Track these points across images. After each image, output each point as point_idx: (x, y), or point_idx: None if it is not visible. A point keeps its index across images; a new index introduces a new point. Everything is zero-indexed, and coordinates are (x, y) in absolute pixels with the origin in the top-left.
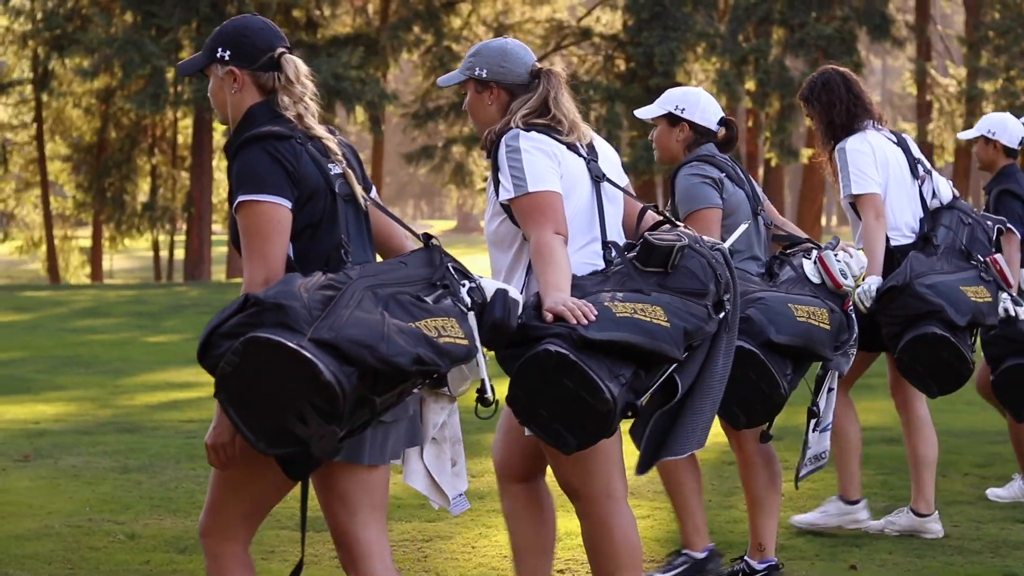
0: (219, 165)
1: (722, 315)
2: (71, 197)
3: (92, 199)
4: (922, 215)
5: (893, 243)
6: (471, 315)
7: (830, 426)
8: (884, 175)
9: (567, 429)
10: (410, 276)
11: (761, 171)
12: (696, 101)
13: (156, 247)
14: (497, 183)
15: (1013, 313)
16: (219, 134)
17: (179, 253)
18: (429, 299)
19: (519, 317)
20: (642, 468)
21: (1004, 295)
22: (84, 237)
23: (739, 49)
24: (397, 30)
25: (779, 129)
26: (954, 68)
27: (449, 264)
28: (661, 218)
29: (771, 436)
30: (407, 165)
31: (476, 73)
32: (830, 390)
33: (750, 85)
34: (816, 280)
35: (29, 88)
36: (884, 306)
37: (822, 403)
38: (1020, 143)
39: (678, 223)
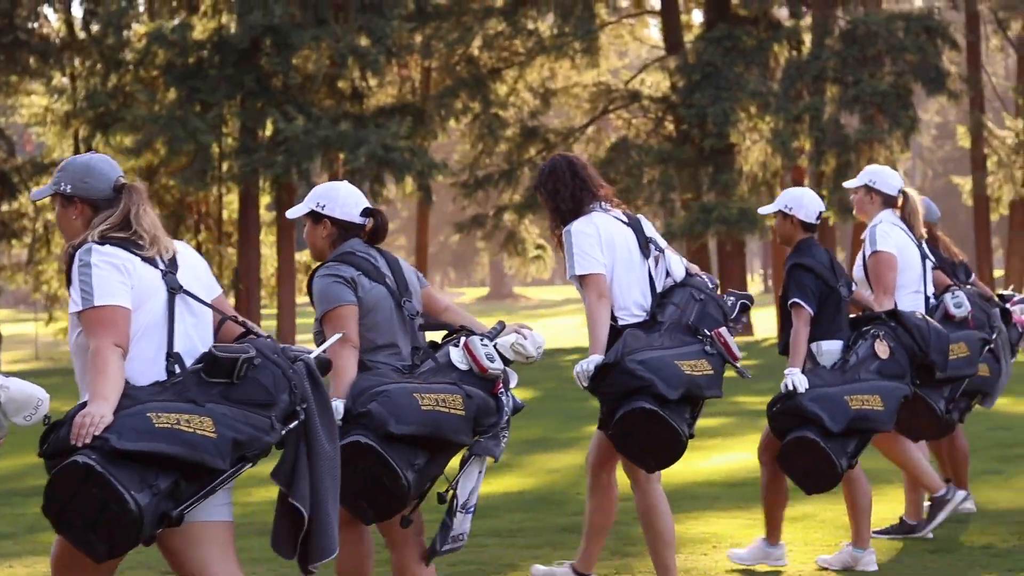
0: (265, 240)
1: (294, 424)
2: None
3: None
4: (652, 294)
5: (621, 322)
6: None
7: (473, 509)
8: (610, 256)
9: (98, 537)
10: None
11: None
12: (335, 196)
13: None
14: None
15: (792, 387)
16: (264, 209)
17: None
18: None
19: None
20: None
21: (791, 370)
22: None
23: (793, 107)
24: (444, 98)
25: (836, 187)
26: (1011, 120)
27: None
28: (243, 329)
29: (411, 521)
30: (442, 233)
31: (61, 188)
32: (479, 473)
33: (805, 143)
34: (464, 367)
35: None
36: (598, 384)
37: (467, 486)
38: (817, 218)
39: (261, 333)
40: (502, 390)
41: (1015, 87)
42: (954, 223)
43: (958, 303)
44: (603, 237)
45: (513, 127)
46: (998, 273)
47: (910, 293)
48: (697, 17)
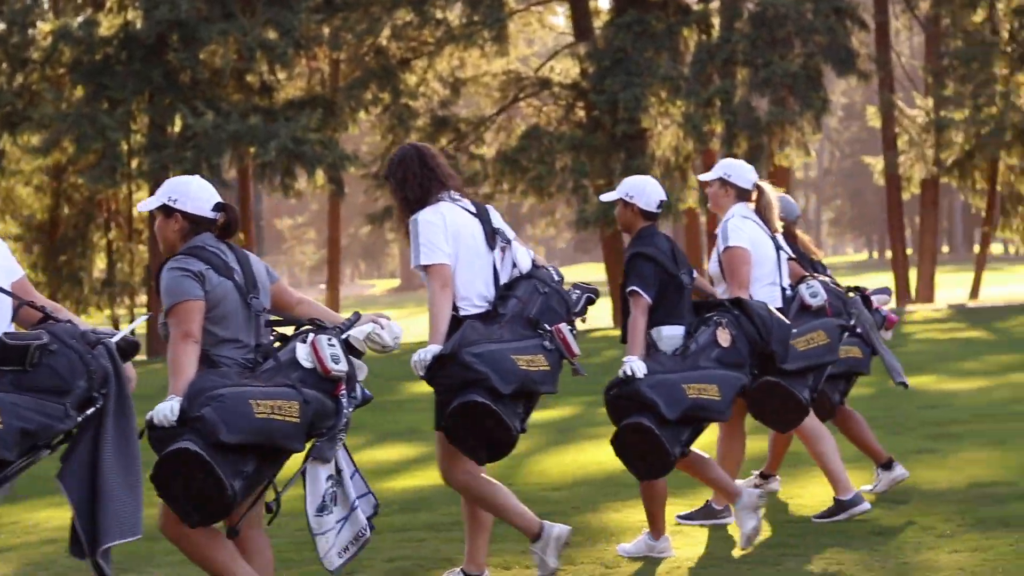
0: None
1: (92, 410)
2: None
3: (47, 277)
4: (495, 285)
5: (463, 313)
6: None
7: (357, 505)
8: (455, 246)
9: None
10: None
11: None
12: (187, 190)
13: (116, 323)
14: None
15: (630, 373)
16: None
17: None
18: None
19: None
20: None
21: (629, 356)
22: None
23: (704, 91)
24: (354, 90)
25: None
26: (921, 99)
27: None
28: (42, 313)
29: (238, 532)
30: (353, 225)
31: None
32: (334, 475)
33: (717, 127)
34: (308, 365)
35: None
36: (434, 375)
37: (317, 490)
38: (658, 207)
39: (61, 317)
40: (343, 392)
41: (924, 66)
42: (863, 204)
43: (813, 292)
44: (449, 227)
45: (423, 117)
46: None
47: (765, 286)
48: (605, 3)
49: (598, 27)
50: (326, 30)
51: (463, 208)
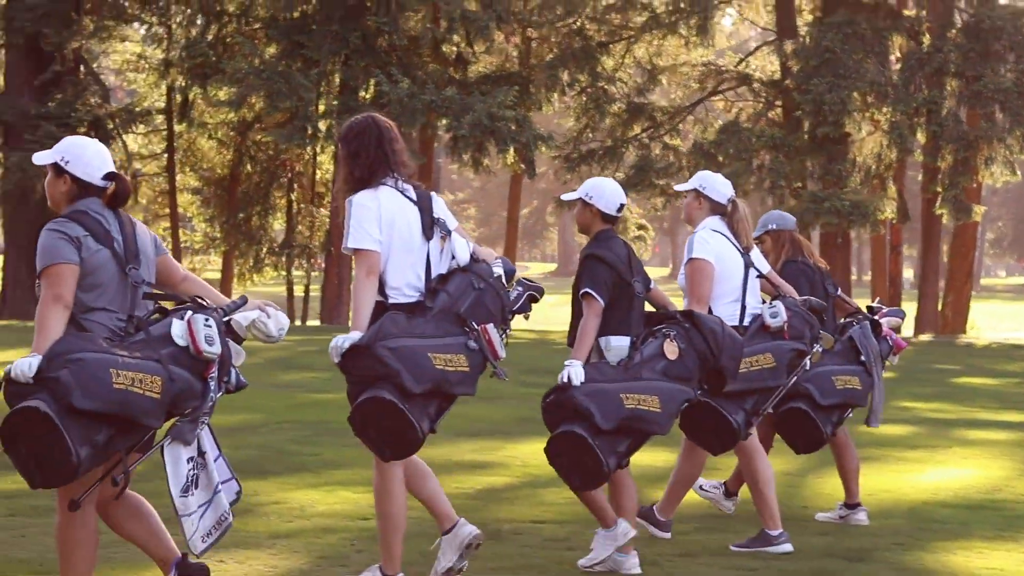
0: None
1: None
2: (201, 231)
3: (224, 234)
4: (427, 276)
5: (391, 301)
6: None
7: (221, 490)
8: (388, 234)
9: None
10: None
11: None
12: (81, 154)
13: (290, 286)
14: None
15: (568, 379)
16: None
17: (313, 291)
18: None
19: None
20: None
21: (572, 361)
22: (212, 270)
23: (911, 99)
24: (553, 69)
25: (951, 184)
26: None
27: None
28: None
29: (79, 505)
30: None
31: None
32: (197, 457)
33: (921, 137)
34: (182, 343)
35: (160, 117)
36: (346, 364)
37: (179, 471)
38: (618, 210)
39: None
40: (213, 374)
41: None
42: None
43: (774, 313)
44: (384, 214)
45: (619, 103)
46: None
47: (728, 303)
48: (807, 2)
49: (801, 25)
50: (528, 6)
51: (404, 195)
